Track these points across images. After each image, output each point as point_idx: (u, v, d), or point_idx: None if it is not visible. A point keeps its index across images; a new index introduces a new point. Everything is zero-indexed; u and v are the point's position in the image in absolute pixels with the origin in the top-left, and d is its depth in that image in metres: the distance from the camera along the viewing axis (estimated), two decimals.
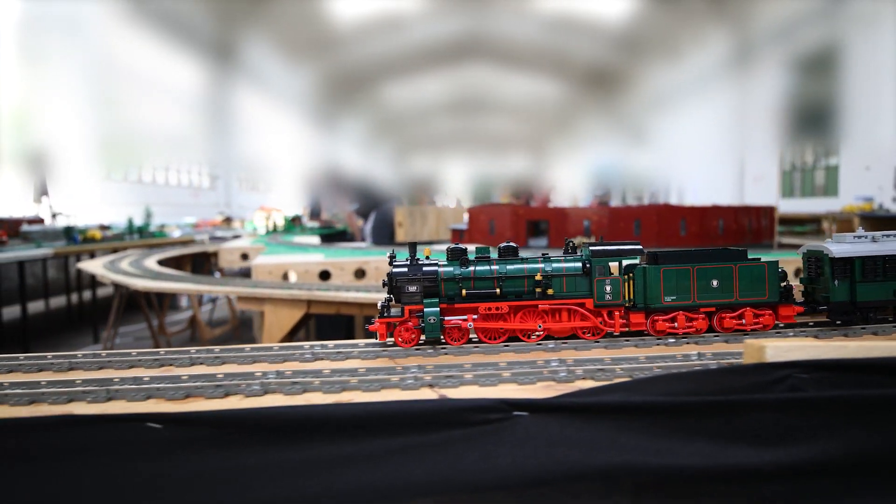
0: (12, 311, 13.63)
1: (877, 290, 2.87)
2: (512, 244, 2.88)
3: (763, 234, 9.33)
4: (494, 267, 2.80)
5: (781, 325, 2.91)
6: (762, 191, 19.74)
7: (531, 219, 9.33)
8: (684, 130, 12.89)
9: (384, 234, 11.82)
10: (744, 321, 2.82)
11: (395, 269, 2.79)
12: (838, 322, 2.92)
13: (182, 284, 7.24)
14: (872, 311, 2.92)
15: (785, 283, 2.88)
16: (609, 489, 1.80)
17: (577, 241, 8.75)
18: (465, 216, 12.68)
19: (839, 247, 2.91)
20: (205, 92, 10.79)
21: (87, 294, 14.32)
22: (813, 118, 11.05)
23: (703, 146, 13.79)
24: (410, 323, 2.73)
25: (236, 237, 14.84)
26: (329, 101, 13.09)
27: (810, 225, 14.69)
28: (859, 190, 14.34)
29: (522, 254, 2.92)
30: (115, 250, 12.50)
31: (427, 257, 2.84)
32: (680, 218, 8.81)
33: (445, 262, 2.84)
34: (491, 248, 2.88)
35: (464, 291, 2.74)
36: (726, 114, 12.14)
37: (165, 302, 11.67)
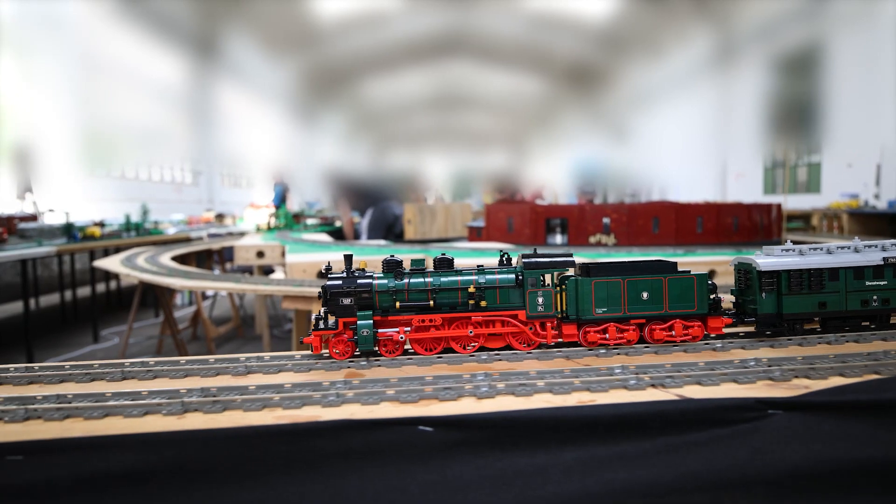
0: (14, 308, 13.32)
1: (802, 303, 3.00)
2: (447, 257, 2.96)
3: (773, 230, 9.65)
4: (429, 279, 2.88)
5: (711, 336, 3.04)
6: (744, 187, 20.14)
7: (550, 216, 9.38)
8: (666, 128, 13.08)
9: (380, 232, 11.94)
10: (673, 332, 2.94)
11: (330, 282, 2.85)
12: (767, 333, 3.06)
13: (221, 283, 7.20)
14: (798, 322, 3.06)
15: (714, 296, 3.00)
16: (867, 484, 1.93)
17: (595, 239, 8.67)
18: (472, 213, 12.69)
19: (766, 260, 3.03)
20: (187, 87, 10.80)
21: (89, 289, 14.14)
22: (795, 116, 11.27)
23: (685, 143, 14.00)
24: (345, 335, 2.81)
25: (242, 234, 14.88)
26: (309, 97, 13.12)
27: (797, 222, 15.07)
28: (842, 187, 14.73)
29: (465, 262, 3.01)
30: (118, 248, 12.56)
31: (363, 270, 2.91)
32: (697, 216, 9.03)
33: (380, 275, 2.91)
34: (426, 260, 2.97)
35: (398, 304, 2.82)
36: (708, 112, 12.32)
37: (172, 299, 11.57)
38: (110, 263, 9.41)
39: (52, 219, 13.83)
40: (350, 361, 2.77)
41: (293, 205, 19.05)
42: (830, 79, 11.03)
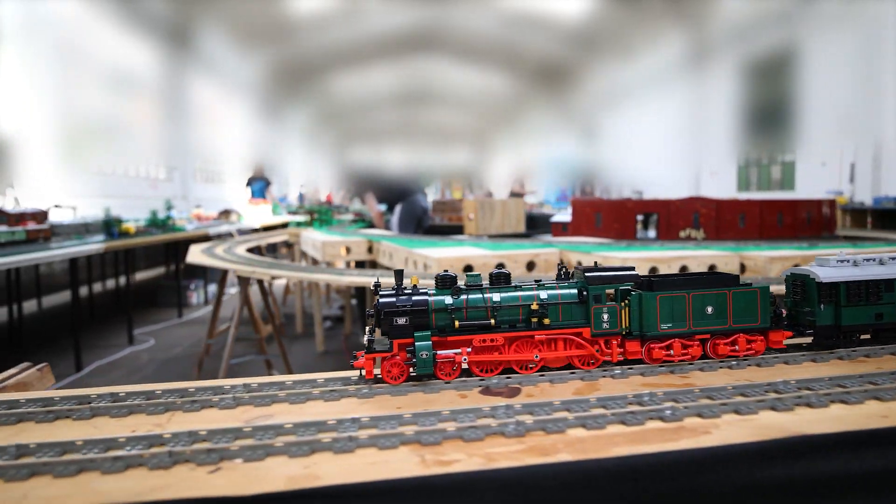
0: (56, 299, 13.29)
1: (860, 314, 3.09)
2: (504, 270, 2.87)
3: (833, 225, 10.34)
4: (488, 295, 2.79)
5: (773, 349, 3.09)
6: (717, 185, 20.97)
7: (640, 211, 9.70)
8: (639, 127, 13.52)
9: (410, 227, 12.28)
10: (737, 347, 2.97)
11: (383, 300, 2.71)
12: (827, 344, 3.13)
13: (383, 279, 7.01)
14: (855, 334, 3.16)
15: (775, 308, 3.05)
16: None
17: (685, 233, 9.05)
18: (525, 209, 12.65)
19: (825, 271, 3.10)
20: (160, 79, 10.77)
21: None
22: (768, 118, 11.83)
23: (658, 142, 14.47)
24: (399, 357, 2.68)
25: (253, 231, 15.64)
26: (277, 91, 13.03)
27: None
28: (815, 184, 15.62)
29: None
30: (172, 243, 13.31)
31: (415, 286, 2.79)
32: (777, 211, 9.72)
33: (435, 291, 2.79)
34: (482, 275, 2.87)
35: (456, 323, 2.72)
36: (682, 111, 12.82)
37: (220, 294, 11.81)
38: (204, 258, 9.92)
39: (59, 215, 13.98)
40: (408, 386, 2.65)
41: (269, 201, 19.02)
42: (804, 81, 11.61)
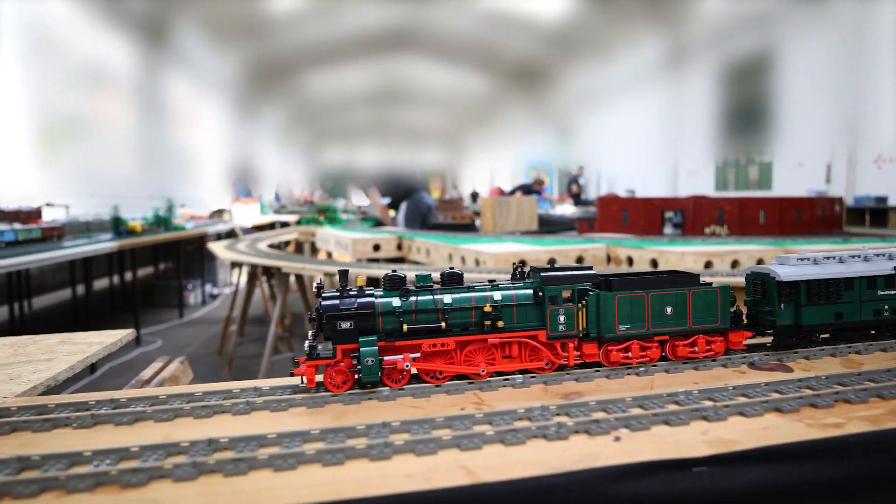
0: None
1: (820, 314, 3.11)
2: (456, 271, 2.82)
3: (841, 222, 10.86)
4: (439, 297, 2.73)
5: (732, 350, 3.10)
6: (695, 184, 21.35)
7: (666, 208, 10.02)
8: (617, 128, 13.79)
9: (416, 223, 12.80)
10: (696, 349, 2.97)
11: (325, 302, 2.63)
12: (786, 345, 3.16)
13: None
14: (815, 334, 3.19)
15: (735, 309, 3.06)
16: None
17: (710, 230, 9.23)
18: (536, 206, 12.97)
19: (785, 270, 3.13)
20: (137, 75, 10.99)
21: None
22: (746, 119, 12.16)
23: (636, 143, 14.73)
24: (343, 364, 2.61)
25: (240, 229, 15.82)
26: (252, 89, 13.13)
27: None
28: (793, 185, 16.08)
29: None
30: (171, 242, 13.76)
31: (360, 287, 2.72)
32: (796, 208, 10.13)
33: (382, 293, 2.73)
34: (432, 276, 2.82)
35: (405, 326, 2.65)
36: (660, 113, 13.10)
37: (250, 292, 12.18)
38: (231, 255, 10.19)
39: (54, 213, 14.12)
40: (350, 395, 2.57)
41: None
42: (781, 83, 11.96)
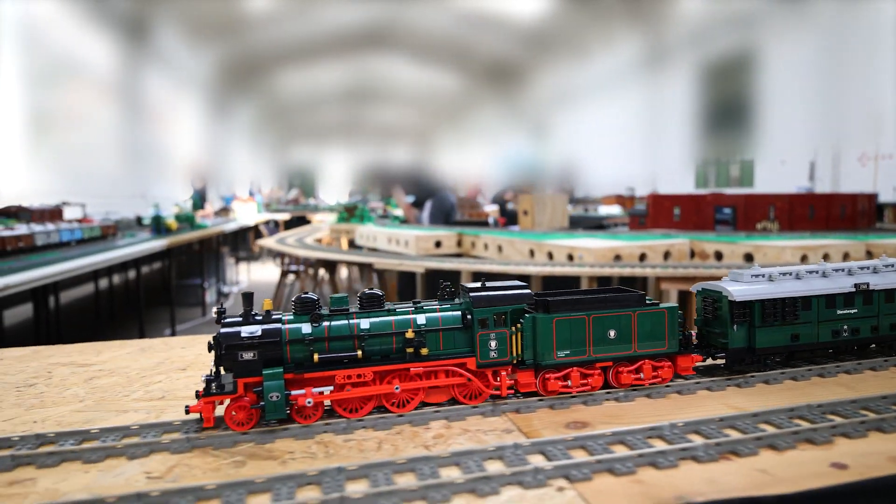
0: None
1: (775, 336, 3.01)
2: (377, 291, 2.66)
3: (874, 217, 11.33)
4: (355, 321, 2.57)
5: (681, 376, 2.99)
6: (675, 182, 21.63)
7: (719, 205, 10.44)
8: (593, 126, 13.90)
9: (440, 221, 13.25)
10: (642, 375, 2.86)
11: (225, 330, 2.45)
12: (738, 369, 3.05)
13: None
14: (770, 357, 3.11)
15: (684, 331, 2.96)
16: None
17: (761, 225, 9.36)
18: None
19: (738, 288, 3.02)
20: (118, 73, 11.33)
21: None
22: (727, 118, 12.36)
23: (613, 141, 14.85)
24: (246, 399, 2.43)
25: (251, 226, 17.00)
26: (225, 88, 13.36)
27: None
28: (775, 182, 16.39)
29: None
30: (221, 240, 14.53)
31: (267, 311, 2.55)
32: (841, 204, 10.60)
33: (291, 318, 2.56)
34: (363, 294, 2.65)
35: (316, 356, 2.49)
36: (639, 111, 13.24)
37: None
38: (313, 252, 10.88)
39: (71, 212, 14.29)
40: (251, 434, 2.40)
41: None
42: (762, 82, 12.17)
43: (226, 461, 2.14)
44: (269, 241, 12.57)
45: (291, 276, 15.61)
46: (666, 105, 14.41)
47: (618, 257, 7.88)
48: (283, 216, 26.40)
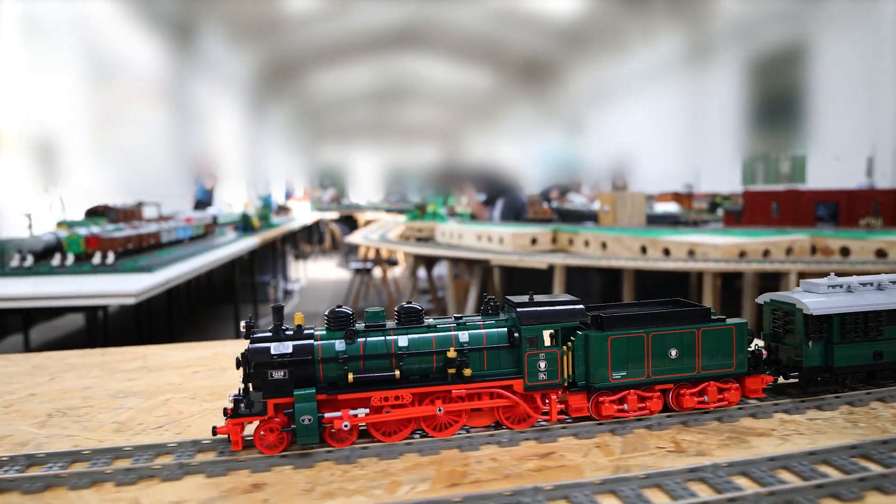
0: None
1: (856, 354, 2.77)
2: (415, 305, 2.52)
3: None
4: (392, 338, 2.43)
5: (749, 398, 2.76)
6: (721, 179, 21.11)
7: (820, 201, 10.41)
8: (633, 122, 13.66)
9: (510, 219, 13.56)
10: (706, 398, 2.65)
11: (254, 346, 2.35)
12: (814, 391, 2.81)
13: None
14: (849, 377, 2.86)
15: (753, 349, 2.74)
16: None
17: (864, 221, 9.31)
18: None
19: (815, 300, 2.79)
20: (165, 74, 11.73)
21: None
22: (776, 112, 11.99)
23: (654, 136, 14.57)
24: (277, 421, 2.32)
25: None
26: (263, 88, 13.83)
27: None
28: (828, 178, 15.81)
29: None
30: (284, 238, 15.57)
31: (299, 326, 2.43)
32: None
33: (324, 334, 2.44)
34: (401, 308, 2.50)
35: (350, 376, 2.36)
36: (681, 107, 12.96)
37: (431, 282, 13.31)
38: (421, 249, 11.26)
39: (148, 211, 14.60)
40: (282, 457, 2.28)
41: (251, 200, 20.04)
42: (814, 75, 11.76)
43: (237, 486, 2.02)
44: (357, 238, 13.16)
45: (362, 275, 16.01)
46: (710, 100, 14.11)
47: (742, 253, 7.75)
48: (332, 215, 26.78)
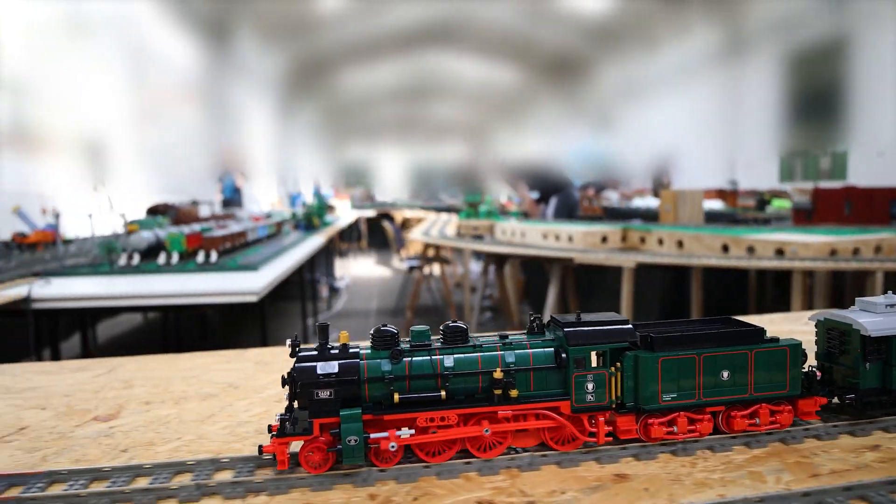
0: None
1: None
2: (460, 324, 2.52)
3: None
4: (438, 358, 2.44)
5: (801, 420, 2.72)
6: (757, 175, 20.77)
7: (894, 198, 10.30)
8: (666, 118, 13.45)
9: (563, 216, 13.77)
10: (757, 420, 2.61)
11: (300, 364, 2.37)
12: (871, 414, 2.75)
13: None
14: None
15: (807, 370, 2.68)
16: None
17: None
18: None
19: (873, 320, 2.72)
20: (202, 75, 11.96)
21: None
22: (816, 106, 11.67)
23: (687, 133, 14.32)
24: (322, 440, 2.34)
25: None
26: (294, 88, 14.05)
27: None
28: (871, 175, 15.40)
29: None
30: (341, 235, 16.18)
31: (344, 345, 2.45)
32: None
33: (370, 353, 2.45)
34: (448, 326, 2.50)
35: (396, 396, 2.38)
36: (716, 102, 12.70)
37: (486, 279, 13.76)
38: (488, 247, 11.60)
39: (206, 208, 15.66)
40: (329, 475, 2.31)
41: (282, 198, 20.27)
42: (857, 69, 11.45)
43: None
44: (417, 235, 13.70)
45: (420, 272, 16.15)
46: (747, 96, 13.82)
47: (833, 252, 7.73)
48: (369, 213, 27.00)
